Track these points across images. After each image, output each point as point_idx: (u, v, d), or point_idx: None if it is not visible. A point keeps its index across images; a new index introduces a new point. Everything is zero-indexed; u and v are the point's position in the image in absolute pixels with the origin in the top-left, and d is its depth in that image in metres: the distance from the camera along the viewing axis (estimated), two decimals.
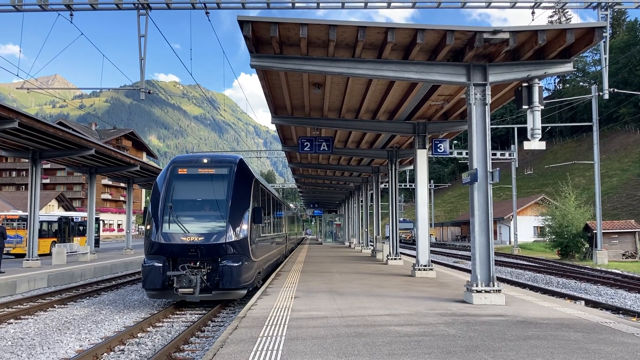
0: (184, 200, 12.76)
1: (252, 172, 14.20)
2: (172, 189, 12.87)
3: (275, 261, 20.09)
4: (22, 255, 25.64)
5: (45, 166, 71.22)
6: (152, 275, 11.78)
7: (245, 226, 12.56)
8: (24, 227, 28.83)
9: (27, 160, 22.66)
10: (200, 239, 11.98)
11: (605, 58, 20.55)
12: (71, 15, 17.70)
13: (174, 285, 11.78)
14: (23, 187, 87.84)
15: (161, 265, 11.80)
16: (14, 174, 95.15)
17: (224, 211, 12.46)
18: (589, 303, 15.55)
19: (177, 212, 12.43)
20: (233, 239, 12.18)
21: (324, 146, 18.55)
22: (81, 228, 35.13)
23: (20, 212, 32.17)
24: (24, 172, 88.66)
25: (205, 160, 13.51)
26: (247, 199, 13.06)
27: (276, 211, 21.33)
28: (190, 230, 12.11)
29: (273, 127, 19.18)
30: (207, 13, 17.90)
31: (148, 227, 12.55)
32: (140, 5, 17.64)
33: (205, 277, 11.96)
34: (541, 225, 45.74)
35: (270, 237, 18.22)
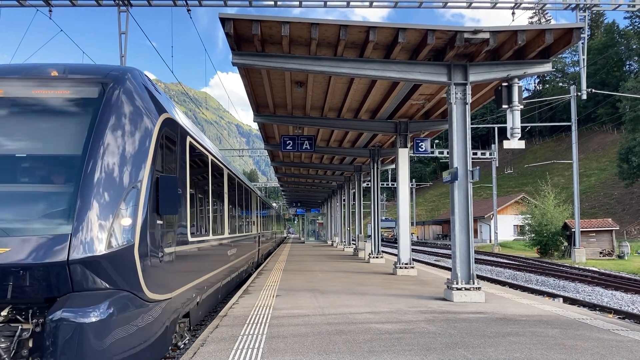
0: None
1: (162, 104, 6.91)
2: None
3: (235, 278, 13.85)
4: None
5: None
6: None
7: (128, 219, 5.60)
8: None
9: None
10: (6, 251, 5.06)
11: (584, 59, 20.91)
12: (50, 11, 17.42)
13: None
14: None
15: None
16: None
17: (75, 183, 5.52)
18: (567, 300, 15.82)
19: None
20: (94, 253, 5.24)
21: (306, 145, 18.54)
22: None
23: None
24: None
25: (52, 72, 6.28)
26: (139, 158, 5.97)
27: (238, 198, 14.89)
28: None
29: (255, 126, 19.10)
30: (188, 10, 17.78)
31: None
32: (120, 2, 17.44)
33: (12, 350, 4.98)
34: (521, 224, 46.37)
35: (219, 241, 11.04)
